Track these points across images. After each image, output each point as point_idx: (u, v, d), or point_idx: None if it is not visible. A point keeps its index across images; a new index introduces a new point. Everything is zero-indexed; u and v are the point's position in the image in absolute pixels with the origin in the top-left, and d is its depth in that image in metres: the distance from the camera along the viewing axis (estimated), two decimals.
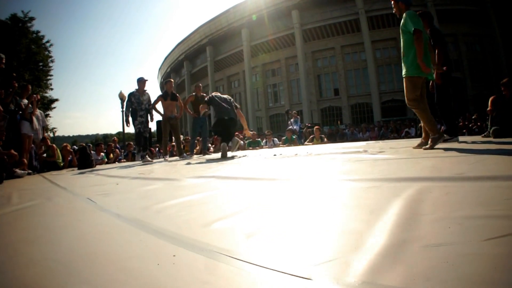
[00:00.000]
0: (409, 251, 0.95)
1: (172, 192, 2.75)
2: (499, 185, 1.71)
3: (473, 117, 15.32)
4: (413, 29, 4.32)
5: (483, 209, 1.30)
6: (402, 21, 4.55)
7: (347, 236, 1.15)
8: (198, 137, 11.27)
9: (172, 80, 9.83)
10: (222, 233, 1.36)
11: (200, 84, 10.52)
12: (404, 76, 4.57)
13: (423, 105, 4.56)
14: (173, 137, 9.94)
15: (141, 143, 9.05)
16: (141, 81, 8.96)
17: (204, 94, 10.14)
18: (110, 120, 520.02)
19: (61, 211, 2.44)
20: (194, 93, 9.90)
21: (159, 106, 9.26)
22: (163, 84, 9.50)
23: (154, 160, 9.48)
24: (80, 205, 2.55)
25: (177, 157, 9.66)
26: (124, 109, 8.60)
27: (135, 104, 8.73)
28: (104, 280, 0.98)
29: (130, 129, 9.19)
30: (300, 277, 0.86)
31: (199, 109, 9.65)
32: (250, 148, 13.89)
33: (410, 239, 1.04)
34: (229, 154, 7.73)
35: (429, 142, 4.49)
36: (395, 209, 1.40)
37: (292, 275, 0.87)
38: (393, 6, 4.78)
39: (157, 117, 9.43)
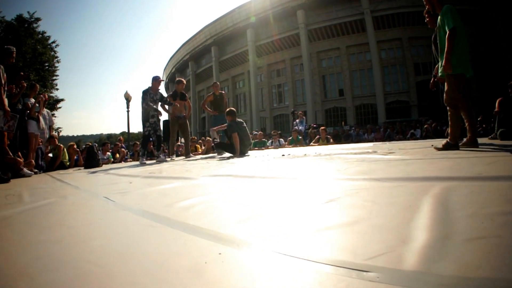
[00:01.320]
0: (453, 244, 0.99)
1: (191, 190, 2.73)
2: None
3: (478, 118, 15.22)
4: (451, 27, 4.21)
5: (510, 206, 1.34)
6: (440, 16, 4.44)
7: (390, 231, 1.17)
8: (204, 138, 11.25)
9: (184, 81, 9.77)
10: (265, 229, 1.35)
11: (218, 83, 10.51)
12: (446, 74, 4.41)
13: (460, 108, 4.43)
14: (179, 137, 9.93)
15: (147, 146, 8.99)
16: (157, 80, 8.79)
17: (223, 92, 10.14)
18: (114, 120, 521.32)
19: (79, 209, 2.39)
20: (212, 92, 9.90)
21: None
22: (175, 84, 9.44)
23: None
24: (99, 204, 2.53)
25: (182, 157, 9.64)
26: (142, 103, 8.33)
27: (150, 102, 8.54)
28: (151, 280, 0.92)
29: (135, 129, 9.12)
30: (360, 270, 0.87)
31: (218, 108, 9.67)
32: (256, 148, 13.89)
33: (450, 233, 1.08)
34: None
35: (443, 143, 4.45)
36: (427, 206, 1.42)
37: (351, 269, 0.88)
38: (425, 3, 4.70)
39: (163, 116, 9.39)
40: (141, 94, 8.56)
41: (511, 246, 0.93)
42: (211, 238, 1.29)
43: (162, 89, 9.07)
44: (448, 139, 4.46)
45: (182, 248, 1.21)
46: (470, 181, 1.95)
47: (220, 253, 1.10)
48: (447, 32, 4.26)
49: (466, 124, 4.63)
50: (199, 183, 3.13)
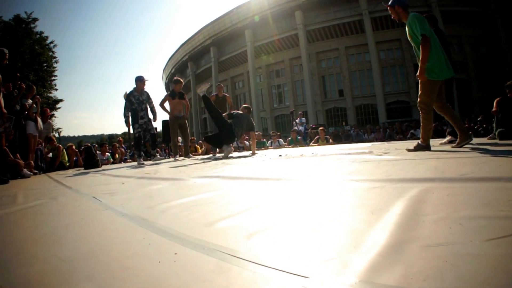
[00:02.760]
0: (408, 251, 0.96)
1: (177, 192, 2.77)
2: (503, 186, 1.71)
3: (478, 119, 15.22)
4: (420, 34, 4.27)
5: (486, 209, 1.30)
6: (407, 25, 4.48)
7: (348, 235, 1.16)
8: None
9: (182, 80, 9.77)
10: (225, 232, 1.38)
11: (222, 85, 10.54)
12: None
13: (432, 112, 4.49)
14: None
15: (140, 147, 8.95)
16: (141, 81, 8.66)
17: (227, 94, 10.11)
18: (115, 121, 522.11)
19: (65, 210, 2.46)
20: (215, 93, 9.90)
21: (165, 105, 9.25)
22: (173, 84, 9.43)
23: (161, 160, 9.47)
24: (85, 204, 2.57)
25: (182, 158, 9.64)
26: (124, 111, 8.35)
27: (135, 105, 8.47)
28: (106, 277, 1.00)
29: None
30: (298, 275, 0.86)
31: (220, 109, 9.66)
32: (255, 149, 13.93)
33: (410, 239, 1.05)
34: (237, 154, 8.04)
35: (414, 145, 4.55)
36: (396, 209, 1.40)
37: (291, 273, 0.88)
38: (390, 12, 4.69)
39: (162, 116, 9.37)
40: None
41: (471, 255, 0.87)
42: (174, 239, 1.34)
43: (162, 90, 9.09)
44: (419, 141, 4.54)
45: (144, 248, 1.27)
46: (452, 182, 1.93)
47: (176, 253, 1.14)
48: (420, 41, 4.31)
49: (454, 126, 4.74)
50: (187, 185, 3.17)
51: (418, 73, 4.40)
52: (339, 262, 0.92)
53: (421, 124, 4.55)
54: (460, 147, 4.48)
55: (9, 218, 2.27)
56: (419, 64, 4.35)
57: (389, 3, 4.63)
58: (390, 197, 1.66)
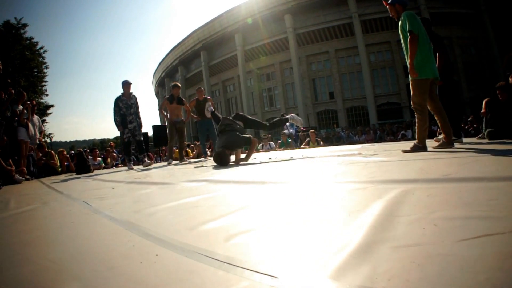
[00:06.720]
0: (378, 251, 0.98)
1: (166, 196, 2.81)
2: (485, 186, 1.71)
3: (468, 119, 15.35)
4: (408, 30, 4.31)
5: (464, 210, 1.31)
6: (400, 22, 4.51)
7: (322, 237, 1.21)
8: (196, 142, 11.20)
9: (180, 85, 9.76)
10: (206, 235, 1.42)
11: (202, 88, 10.49)
12: (410, 79, 4.48)
13: (427, 112, 4.50)
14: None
15: (129, 152, 9.06)
16: (126, 84, 8.70)
17: (208, 97, 10.00)
18: (107, 125, 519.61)
19: (56, 214, 2.52)
20: (195, 98, 9.87)
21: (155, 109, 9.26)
22: (170, 88, 9.42)
23: (153, 165, 9.48)
24: (76, 209, 2.63)
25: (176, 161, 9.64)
26: (114, 116, 8.34)
27: (124, 110, 8.50)
28: (92, 276, 1.08)
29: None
30: (268, 275, 0.91)
31: (202, 112, 9.65)
32: (247, 151, 14.00)
33: (381, 239, 1.07)
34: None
35: (411, 145, 4.53)
36: (373, 211, 1.43)
37: (261, 273, 0.93)
38: (389, 10, 4.70)
39: (152, 121, 9.36)
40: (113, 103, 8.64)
41: (440, 256, 0.89)
42: (156, 241, 1.40)
43: (152, 93, 9.04)
44: (415, 142, 4.56)
45: (128, 249, 1.33)
46: (434, 183, 1.97)
47: (157, 255, 1.21)
48: (408, 37, 4.35)
49: (439, 125, 4.76)
50: (177, 189, 3.21)
51: (409, 70, 4.39)
52: (312, 262, 0.96)
53: (416, 125, 4.57)
54: (440, 150, 4.49)
55: (2, 223, 2.34)
56: (408, 61, 4.37)
57: (389, 1, 4.64)
58: (370, 198, 1.70)
